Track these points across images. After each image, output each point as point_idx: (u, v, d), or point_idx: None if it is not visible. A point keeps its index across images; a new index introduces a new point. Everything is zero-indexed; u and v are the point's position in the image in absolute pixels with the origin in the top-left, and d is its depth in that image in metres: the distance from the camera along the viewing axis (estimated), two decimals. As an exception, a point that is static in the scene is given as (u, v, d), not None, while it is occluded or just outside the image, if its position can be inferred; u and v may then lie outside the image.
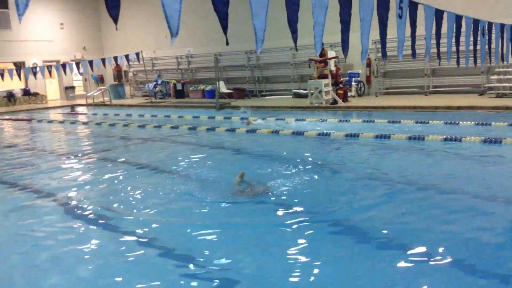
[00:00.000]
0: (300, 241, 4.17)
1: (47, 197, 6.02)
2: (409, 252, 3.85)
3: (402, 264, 3.66)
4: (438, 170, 6.58)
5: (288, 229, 4.47)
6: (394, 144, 8.44)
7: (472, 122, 10.14)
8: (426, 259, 3.72)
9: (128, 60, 19.94)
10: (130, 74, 26.24)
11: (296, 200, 5.38)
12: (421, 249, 3.89)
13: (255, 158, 8.25)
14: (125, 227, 4.77)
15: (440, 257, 3.71)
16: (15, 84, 23.62)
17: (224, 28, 3.56)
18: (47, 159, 9.04)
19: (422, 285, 3.32)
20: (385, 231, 4.36)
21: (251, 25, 3.83)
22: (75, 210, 5.43)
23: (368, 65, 17.99)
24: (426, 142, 8.37)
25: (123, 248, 4.25)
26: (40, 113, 20.02)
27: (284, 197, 5.46)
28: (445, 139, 8.31)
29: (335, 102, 15.33)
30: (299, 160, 7.55)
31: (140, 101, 22.70)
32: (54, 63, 21.03)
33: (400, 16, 6.12)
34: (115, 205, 5.53)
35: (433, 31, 6.92)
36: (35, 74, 19.03)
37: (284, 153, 8.50)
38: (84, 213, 5.28)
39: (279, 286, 3.42)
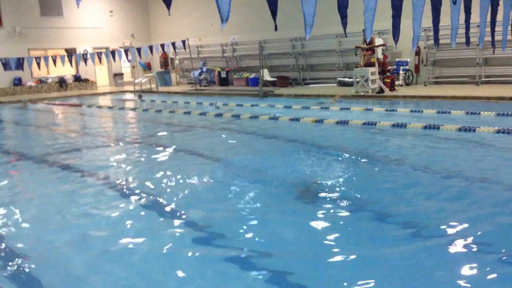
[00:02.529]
0: (341, 232, 4.15)
1: (92, 178, 6.26)
2: (458, 246, 3.76)
3: (449, 259, 3.58)
4: (488, 163, 6.36)
5: (330, 220, 4.45)
6: (443, 135, 8.20)
7: (527, 114, 9.72)
8: (476, 250, 3.63)
9: (174, 47, 20.23)
10: (176, 62, 26.65)
11: (339, 190, 5.34)
12: (470, 240, 3.79)
13: (298, 146, 8.23)
14: (167, 210, 4.89)
15: (491, 249, 3.61)
16: (66, 70, 24.51)
17: (274, 13, 3.56)
18: (96, 143, 9.36)
19: (471, 278, 3.25)
20: (431, 224, 4.26)
21: (296, 12, 3.82)
22: (119, 191, 5.62)
23: (417, 53, 17.49)
24: (477, 133, 8.09)
25: (167, 230, 4.36)
26: (91, 98, 20.69)
27: (328, 188, 5.43)
28: (497, 131, 7.99)
29: (381, 91, 15.03)
30: (343, 149, 7.48)
31: (185, 88, 23.04)
32: (104, 50, 21.64)
33: (454, 2, 5.90)
34: (157, 188, 5.67)
35: (488, 18, 6.64)
36: (85, 60, 19.68)
37: (328, 142, 8.43)
38: (128, 194, 5.46)
39: (322, 277, 3.43)
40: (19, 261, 3.76)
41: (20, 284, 3.45)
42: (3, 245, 4.11)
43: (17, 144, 10.00)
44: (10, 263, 3.73)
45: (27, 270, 3.64)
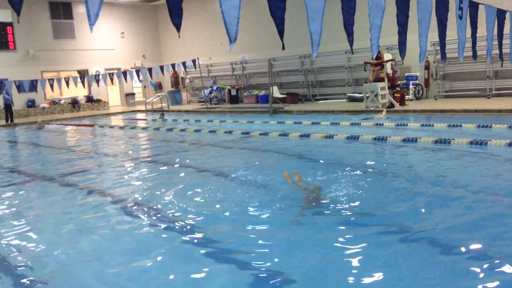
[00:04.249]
0: (354, 245, 4.14)
1: (104, 196, 6.32)
2: (468, 257, 3.74)
3: (462, 269, 3.56)
4: (501, 178, 6.31)
5: (344, 234, 4.45)
6: (454, 149, 8.17)
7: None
8: (488, 264, 3.60)
9: (185, 67, 20.50)
10: (187, 81, 26.94)
11: (350, 205, 5.33)
12: (481, 254, 3.76)
13: (308, 162, 8.24)
14: (178, 226, 4.93)
15: (500, 261, 3.58)
16: (79, 91, 24.90)
17: (281, 33, 3.63)
18: (108, 162, 9.46)
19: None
20: (443, 237, 4.24)
21: (305, 30, 3.89)
22: (130, 208, 5.67)
23: (427, 67, 17.51)
24: (489, 147, 8.04)
25: (180, 247, 4.39)
26: (103, 119, 20.95)
27: (339, 203, 5.42)
28: (510, 144, 7.94)
29: (391, 105, 15.03)
30: (354, 164, 7.47)
31: (196, 106, 23.24)
32: (116, 71, 22.01)
33: (460, 17, 5.96)
34: (169, 205, 5.72)
35: (495, 32, 6.68)
36: (97, 81, 20.01)
37: (339, 157, 8.43)
38: (139, 211, 5.51)
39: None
40: (31, 277, 3.81)
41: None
42: (17, 261, 4.18)
43: (33, 164, 10.14)
44: (22, 280, 3.78)
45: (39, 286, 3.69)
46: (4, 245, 4.69)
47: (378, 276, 3.54)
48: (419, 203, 5.33)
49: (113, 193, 6.56)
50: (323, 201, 5.44)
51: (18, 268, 4.09)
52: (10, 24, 22.82)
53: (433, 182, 6.16)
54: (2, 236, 4.97)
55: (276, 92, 20.86)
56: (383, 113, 13.39)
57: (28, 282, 3.79)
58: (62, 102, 24.93)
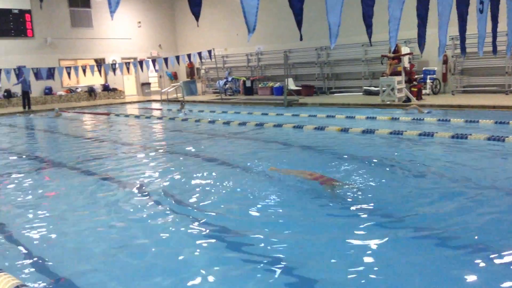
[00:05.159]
0: (369, 241, 4.13)
1: (119, 185, 6.39)
2: (487, 256, 3.71)
3: (479, 268, 3.53)
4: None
5: (358, 230, 4.44)
6: (471, 145, 8.07)
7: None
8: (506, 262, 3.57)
9: (200, 57, 20.50)
10: (202, 71, 26.98)
11: (364, 200, 5.31)
12: (499, 252, 3.73)
13: (324, 155, 8.22)
14: (192, 217, 4.96)
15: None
16: (95, 80, 25.12)
17: (299, 23, 3.61)
18: (123, 150, 9.55)
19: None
20: (459, 234, 4.22)
21: (321, 22, 3.87)
22: (145, 196, 5.73)
23: (445, 62, 17.28)
24: (507, 143, 7.93)
25: (195, 238, 4.43)
26: (120, 107, 21.11)
27: (354, 197, 5.41)
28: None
29: (408, 100, 14.89)
30: (369, 158, 7.43)
31: (210, 97, 23.27)
32: (132, 60, 22.11)
33: (481, 11, 5.85)
34: (184, 195, 5.76)
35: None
36: (114, 70, 20.13)
37: (354, 151, 8.38)
38: (153, 200, 5.57)
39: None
40: (52, 269, 3.88)
41: None
42: (41, 251, 4.26)
43: (51, 151, 10.29)
44: (43, 274, 3.86)
45: (60, 276, 3.75)
46: (21, 229, 4.78)
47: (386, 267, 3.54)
48: (432, 197, 5.30)
49: (129, 181, 6.63)
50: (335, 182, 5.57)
51: (35, 252, 4.18)
52: (29, 11, 23.04)
53: (449, 177, 6.11)
54: (21, 222, 5.07)
55: (291, 84, 20.78)
56: (421, 108, 12.99)
57: (45, 265, 3.86)
58: (78, 90, 25.16)
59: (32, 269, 3.82)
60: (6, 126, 15.41)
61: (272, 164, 6.96)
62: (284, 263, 3.71)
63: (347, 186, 5.71)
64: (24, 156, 9.41)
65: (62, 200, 5.94)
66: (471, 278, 3.39)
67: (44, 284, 3.54)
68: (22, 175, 7.43)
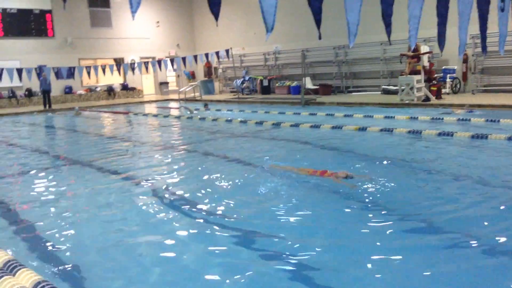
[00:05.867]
0: (384, 241, 4.11)
1: (136, 182, 6.46)
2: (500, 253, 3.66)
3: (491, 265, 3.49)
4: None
5: (373, 229, 4.42)
6: (491, 145, 7.96)
7: None
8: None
9: (218, 56, 20.58)
10: (220, 71, 27.07)
11: (381, 198, 5.29)
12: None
13: (341, 154, 8.18)
14: (208, 215, 4.99)
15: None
16: (114, 79, 25.41)
17: (318, 22, 3.61)
18: (141, 149, 9.65)
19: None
20: (476, 234, 4.17)
21: (339, 21, 3.86)
22: (161, 194, 5.79)
23: (465, 61, 17.04)
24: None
25: (209, 237, 4.46)
26: (138, 106, 21.32)
27: (370, 196, 5.39)
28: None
29: (427, 99, 14.73)
30: (386, 158, 7.38)
31: (228, 96, 23.34)
32: (150, 60, 22.28)
33: (502, 9, 5.75)
34: (199, 194, 5.80)
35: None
36: (133, 69, 20.35)
37: (372, 150, 8.32)
38: (169, 199, 5.64)
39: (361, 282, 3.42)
40: (68, 261, 3.95)
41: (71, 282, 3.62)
42: (60, 244, 4.33)
43: (70, 149, 10.45)
44: (58, 264, 3.93)
45: (74, 269, 3.81)
46: (42, 225, 4.87)
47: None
48: (449, 196, 5.24)
49: (147, 179, 6.69)
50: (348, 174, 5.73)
51: (56, 249, 4.25)
52: (49, 11, 23.41)
53: (465, 177, 6.04)
54: (42, 217, 5.17)
55: (309, 83, 20.71)
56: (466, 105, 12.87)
57: (63, 266, 3.93)
58: (98, 89, 25.47)
59: (54, 267, 3.88)
60: (27, 125, 15.69)
61: (291, 164, 6.95)
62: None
63: (367, 186, 5.67)
64: (44, 154, 9.58)
65: (83, 198, 6.02)
66: None
67: (66, 283, 3.60)
68: (45, 172, 7.57)
